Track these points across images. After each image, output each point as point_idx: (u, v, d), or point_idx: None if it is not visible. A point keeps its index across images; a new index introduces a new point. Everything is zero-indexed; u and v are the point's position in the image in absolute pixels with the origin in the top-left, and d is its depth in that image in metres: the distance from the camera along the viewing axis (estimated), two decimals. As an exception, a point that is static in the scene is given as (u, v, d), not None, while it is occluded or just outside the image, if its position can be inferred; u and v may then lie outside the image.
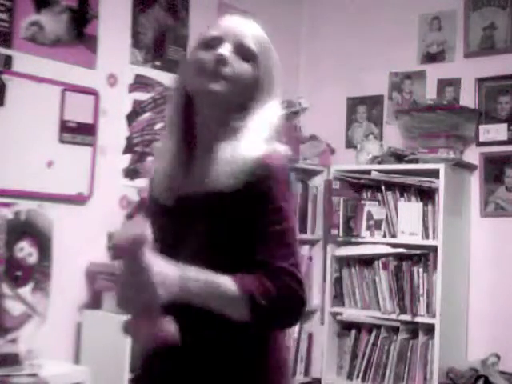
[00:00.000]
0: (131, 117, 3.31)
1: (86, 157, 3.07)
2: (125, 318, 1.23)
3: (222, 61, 1.30)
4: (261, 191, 1.27)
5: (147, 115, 3.38)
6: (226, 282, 1.21)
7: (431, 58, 3.88)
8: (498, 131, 3.60)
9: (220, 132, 1.34)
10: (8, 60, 2.77)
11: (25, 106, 2.82)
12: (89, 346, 2.96)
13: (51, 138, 2.93)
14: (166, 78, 3.47)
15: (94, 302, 3.04)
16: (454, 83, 3.76)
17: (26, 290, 2.79)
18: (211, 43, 1.33)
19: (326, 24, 4.26)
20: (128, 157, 3.29)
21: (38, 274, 2.83)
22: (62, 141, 2.97)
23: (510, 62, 3.60)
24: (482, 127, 3.65)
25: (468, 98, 3.69)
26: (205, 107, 1.35)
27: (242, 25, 1.38)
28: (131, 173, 3.30)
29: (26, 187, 2.81)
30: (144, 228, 1.17)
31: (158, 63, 3.45)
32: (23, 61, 2.82)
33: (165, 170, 1.40)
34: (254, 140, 1.32)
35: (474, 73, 3.69)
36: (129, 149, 3.30)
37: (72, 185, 3.01)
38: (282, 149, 1.35)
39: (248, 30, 1.37)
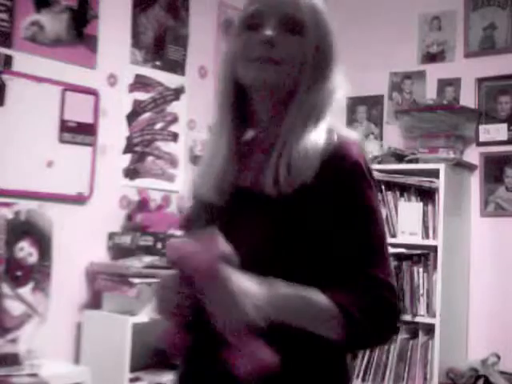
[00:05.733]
0: (131, 117, 3.31)
1: (86, 157, 3.07)
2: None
3: (268, 42, 1.15)
4: (346, 188, 1.12)
5: (147, 115, 3.39)
6: (318, 297, 1.06)
7: (431, 57, 3.88)
8: (498, 131, 3.60)
9: (277, 118, 1.20)
10: (8, 60, 2.77)
11: (25, 105, 2.82)
12: (89, 346, 2.96)
13: (51, 138, 2.93)
14: (166, 78, 3.47)
15: (94, 302, 3.04)
16: (454, 83, 3.76)
17: (26, 290, 2.79)
18: (253, 21, 1.19)
19: (326, 24, 4.25)
20: (128, 157, 3.29)
21: (38, 274, 2.83)
22: (62, 141, 2.97)
23: (510, 62, 3.59)
24: (482, 127, 3.64)
25: (468, 98, 3.69)
26: (258, 95, 1.21)
27: None
28: (131, 173, 3.30)
29: (26, 187, 2.81)
30: (222, 244, 1.01)
31: (158, 63, 3.45)
32: (23, 61, 2.82)
33: (214, 164, 1.22)
34: (323, 127, 1.17)
35: (474, 73, 3.68)
36: (129, 149, 3.30)
37: (72, 185, 3.01)
38: (353, 135, 1.20)
39: None
